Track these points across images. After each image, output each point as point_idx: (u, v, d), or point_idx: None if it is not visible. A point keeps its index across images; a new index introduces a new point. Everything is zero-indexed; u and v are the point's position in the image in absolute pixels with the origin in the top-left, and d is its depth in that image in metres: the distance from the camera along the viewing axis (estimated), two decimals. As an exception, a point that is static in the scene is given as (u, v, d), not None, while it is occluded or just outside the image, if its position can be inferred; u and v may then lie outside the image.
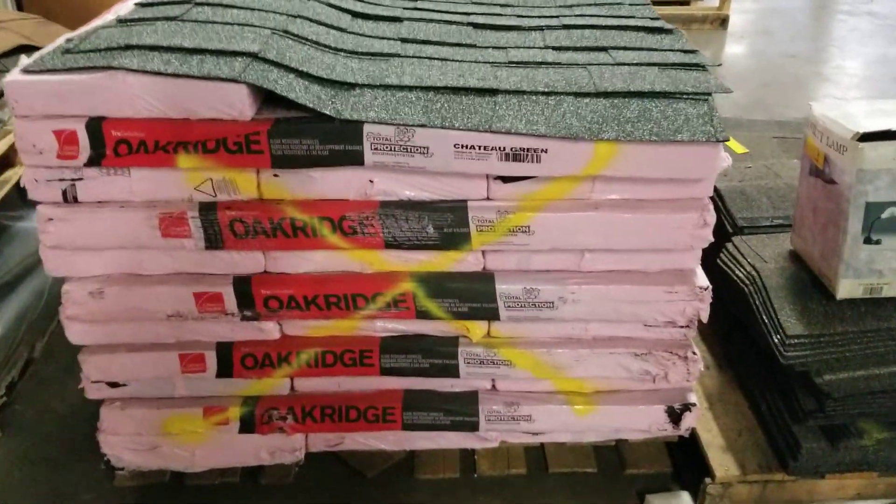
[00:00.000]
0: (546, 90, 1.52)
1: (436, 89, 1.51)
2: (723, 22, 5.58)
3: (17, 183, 1.57)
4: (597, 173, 1.47)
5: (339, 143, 1.46)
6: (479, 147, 1.45)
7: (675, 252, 1.58)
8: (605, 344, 1.68)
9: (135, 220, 1.55)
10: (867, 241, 1.57)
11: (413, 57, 1.66)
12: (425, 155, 1.46)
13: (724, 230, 2.00)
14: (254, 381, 1.74)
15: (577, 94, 1.52)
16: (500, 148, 1.45)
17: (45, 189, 1.54)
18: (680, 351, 1.67)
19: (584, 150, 1.44)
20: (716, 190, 2.02)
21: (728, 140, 1.42)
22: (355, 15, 1.89)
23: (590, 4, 2.12)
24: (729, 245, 1.92)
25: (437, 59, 1.66)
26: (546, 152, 1.45)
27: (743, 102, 4.23)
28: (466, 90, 1.52)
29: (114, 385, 1.74)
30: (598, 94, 1.52)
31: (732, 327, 2.00)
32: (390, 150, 1.46)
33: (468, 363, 1.69)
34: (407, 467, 1.92)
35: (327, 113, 1.44)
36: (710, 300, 1.60)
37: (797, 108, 4.06)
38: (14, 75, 1.47)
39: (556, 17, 1.99)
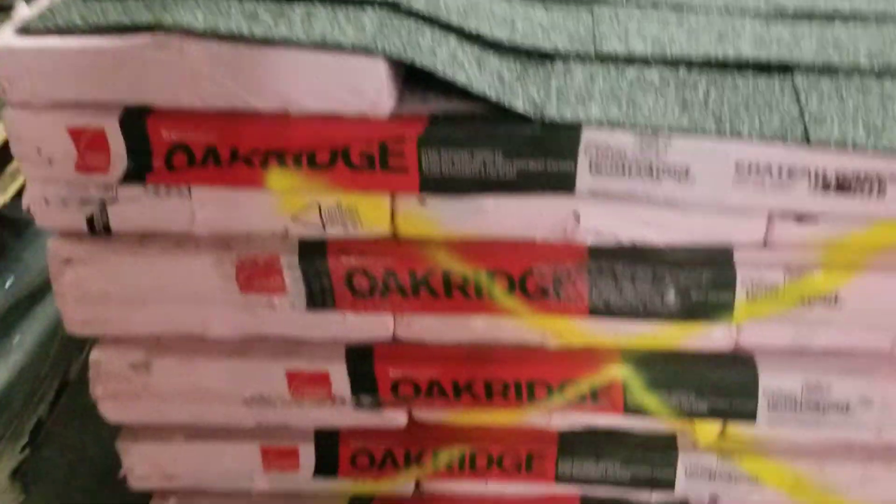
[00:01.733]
0: (874, 66, 0.91)
1: (691, 64, 0.91)
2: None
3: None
4: None
5: (537, 157, 0.87)
6: (780, 170, 0.85)
7: None
8: (909, 456, 1.10)
9: (198, 265, 0.99)
10: None
11: (631, 4, 1.04)
12: (682, 181, 0.87)
13: None
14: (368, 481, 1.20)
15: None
16: (814, 172, 0.85)
17: (60, 214, 0.99)
18: None
19: (974, 180, 0.84)
20: None
21: None
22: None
23: None
24: None
25: (668, 5, 1.04)
26: (899, 181, 0.84)
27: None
28: (745, 66, 0.91)
29: (168, 476, 1.22)
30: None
31: None
32: (624, 171, 0.87)
33: (690, 476, 1.12)
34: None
35: (520, 110, 0.85)
36: None
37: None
38: (4, 38, 0.90)
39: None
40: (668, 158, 0.85)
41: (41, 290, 1.73)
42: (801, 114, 0.85)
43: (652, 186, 0.87)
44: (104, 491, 1.60)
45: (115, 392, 1.10)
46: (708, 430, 1.10)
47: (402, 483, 1.20)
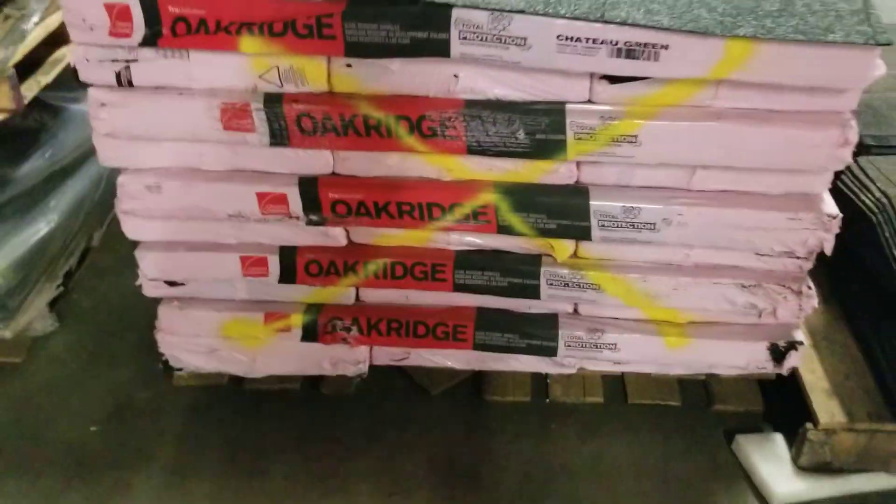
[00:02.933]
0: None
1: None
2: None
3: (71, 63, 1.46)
4: (725, 77, 1.25)
5: (423, 29, 1.26)
6: (587, 40, 1.24)
7: (805, 174, 1.37)
8: (709, 273, 1.50)
9: (194, 109, 1.39)
10: None
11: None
12: (522, 47, 1.26)
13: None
14: (318, 289, 1.61)
15: (702, -20, 1.29)
16: (611, 42, 1.24)
17: (97, 70, 1.39)
18: (793, 284, 1.48)
19: (713, 48, 1.22)
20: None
21: (891, 43, 1.18)
22: None
23: None
24: (853, 166, 1.68)
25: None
26: (667, 49, 1.23)
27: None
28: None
29: (172, 284, 1.64)
30: (727, -19, 1.28)
31: (841, 257, 1.79)
32: (481, 39, 1.26)
33: (551, 285, 1.53)
34: (474, 387, 1.81)
35: (411, -7, 1.24)
36: (838, 230, 1.40)
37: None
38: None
39: None
40: (511, 30, 1.24)
41: (72, 167, 2.15)
42: (605, 2, 1.23)
43: (502, 52, 1.26)
44: (121, 327, 2.03)
45: (133, 209, 1.52)
46: (564, 250, 1.51)
47: (344, 291, 1.62)
